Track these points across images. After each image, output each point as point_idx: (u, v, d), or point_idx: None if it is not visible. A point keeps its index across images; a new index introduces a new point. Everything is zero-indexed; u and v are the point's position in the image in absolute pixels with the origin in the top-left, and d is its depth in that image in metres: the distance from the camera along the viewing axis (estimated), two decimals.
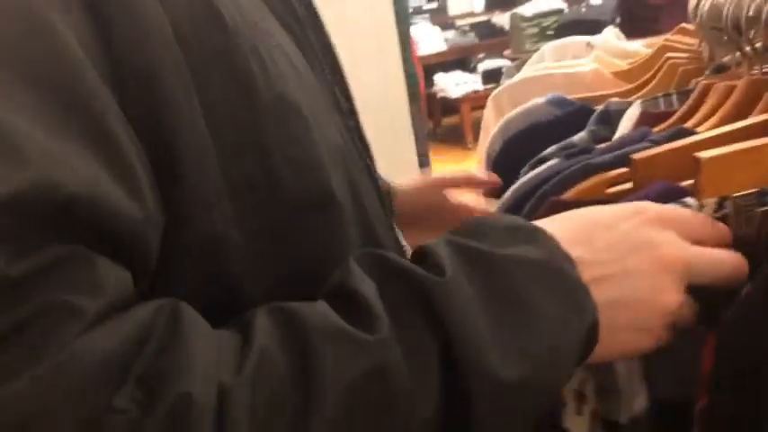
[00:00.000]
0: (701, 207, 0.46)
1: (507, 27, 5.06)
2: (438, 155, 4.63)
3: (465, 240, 0.42)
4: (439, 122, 6.09)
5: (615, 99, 0.82)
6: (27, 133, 0.31)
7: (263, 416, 0.34)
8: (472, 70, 5.77)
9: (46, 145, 0.32)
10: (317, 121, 0.45)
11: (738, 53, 0.73)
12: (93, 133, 0.34)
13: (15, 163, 0.31)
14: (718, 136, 0.51)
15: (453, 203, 0.81)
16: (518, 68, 1.64)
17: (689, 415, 0.44)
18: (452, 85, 5.51)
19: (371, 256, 0.42)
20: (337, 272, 0.41)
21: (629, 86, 0.93)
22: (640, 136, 0.61)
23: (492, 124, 0.96)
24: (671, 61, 0.89)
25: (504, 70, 4.34)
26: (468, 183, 0.81)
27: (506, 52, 4.79)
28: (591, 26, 3.02)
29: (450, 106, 5.75)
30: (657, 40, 1.06)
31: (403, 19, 3.10)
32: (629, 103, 0.78)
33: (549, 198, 0.57)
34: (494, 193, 0.76)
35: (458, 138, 5.53)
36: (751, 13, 0.63)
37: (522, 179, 0.64)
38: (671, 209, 0.45)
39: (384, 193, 0.54)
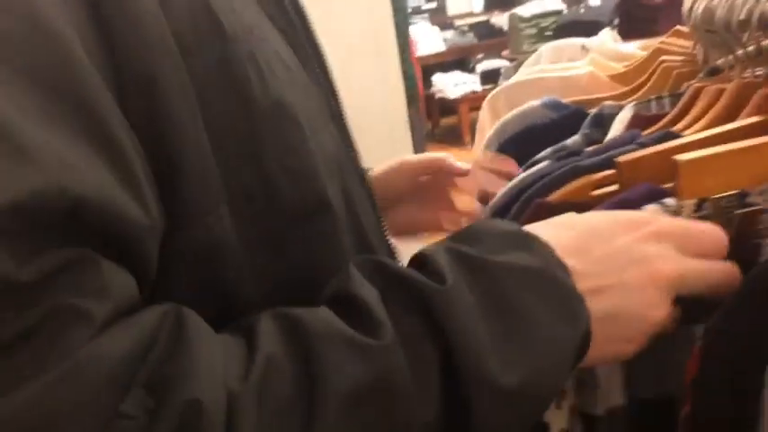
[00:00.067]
0: (680, 208, 0.46)
1: (506, 27, 5.07)
2: (433, 151, 4.64)
3: (463, 247, 0.42)
4: (437, 123, 6.10)
5: (609, 102, 0.82)
6: (35, 137, 0.31)
7: (269, 422, 0.34)
8: (471, 71, 5.78)
9: (54, 148, 0.32)
10: (312, 128, 0.45)
11: (731, 56, 0.73)
12: (98, 138, 0.34)
13: (25, 166, 0.31)
14: (702, 139, 0.52)
15: (431, 190, 0.81)
16: (516, 69, 1.64)
17: (668, 413, 0.44)
18: (451, 85, 5.52)
19: (372, 262, 0.42)
20: (338, 278, 0.42)
21: (624, 89, 0.93)
22: (629, 139, 0.61)
23: (487, 126, 0.96)
24: (665, 64, 0.89)
25: (502, 71, 4.35)
26: (440, 170, 0.80)
27: (505, 53, 4.79)
28: (589, 27, 3.02)
29: (448, 107, 5.76)
30: (653, 43, 1.06)
31: (401, 19, 3.10)
32: (623, 107, 0.78)
33: (535, 200, 0.57)
34: (486, 199, 0.76)
35: (456, 138, 5.53)
36: (742, 17, 0.63)
37: (512, 182, 0.64)
38: (670, 222, 0.46)
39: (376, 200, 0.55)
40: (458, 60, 6.02)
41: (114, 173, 0.34)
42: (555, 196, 0.57)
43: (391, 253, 0.54)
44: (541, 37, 4.13)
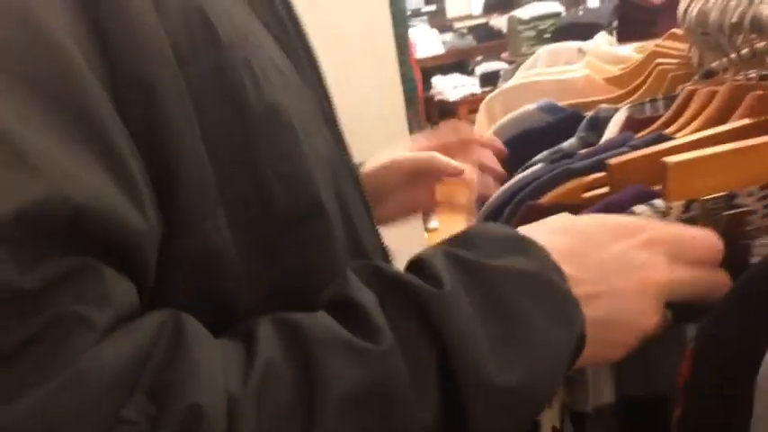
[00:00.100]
0: (668, 209, 0.47)
1: (505, 30, 5.07)
2: None
3: (460, 251, 0.42)
4: (437, 125, 6.10)
5: (604, 105, 0.82)
6: (37, 146, 0.32)
7: (269, 427, 0.35)
8: (470, 73, 5.78)
9: (56, 157, 0.32)
10: (306, 131, 0.45)
11: (725, 59, 0.74)
12: (99, 146, 0.34)
13: (27, 175, 0.31)
14: (693, 141, 0.52)
15: (423, 183, 0.80)
16: (515, 71, 1.65)
17: (657, 411, 0.45)
18: (450, 87, 5.52)
19: (369, 267, 0.43)
20: (336, 282, 0.42)
21: (620, 92, 0.94)
22: (621, 141, 0.62)
23: (484, 130, 0.97)
24: (660, 67, 0.90)
25: (501, 73, 4.35)
26: (431, 169, 0.78)
27: (504, 55, 4.80)
28: (588, 29, 3.01)
29: (447, 109, 5.75)
30: (649, 45, 1.07)
31: (400, 22, 3.11)
32: (618, 109, 0.79)
33: (527, 202, 0.57)
34: (483, 198, 0.77)
35: None
36: (734, 20, 0.63)
37: (506, 184, 0.65)
38: (663, 230, 0.46)
39: (368, 201, 0.55)
40: (457, 63, 6.02)
41: (115, 180, 0.34)
42: (546, 198, 0.57)
43: (385, 255, 0.55)
44: (540, 39, 4.12)
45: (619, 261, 0.44)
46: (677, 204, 0.46)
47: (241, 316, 0.41)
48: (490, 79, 5.10)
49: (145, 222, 0.36)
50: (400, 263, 0.46)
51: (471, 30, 6.22)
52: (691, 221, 0.47)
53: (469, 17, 6.56)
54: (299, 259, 0.44)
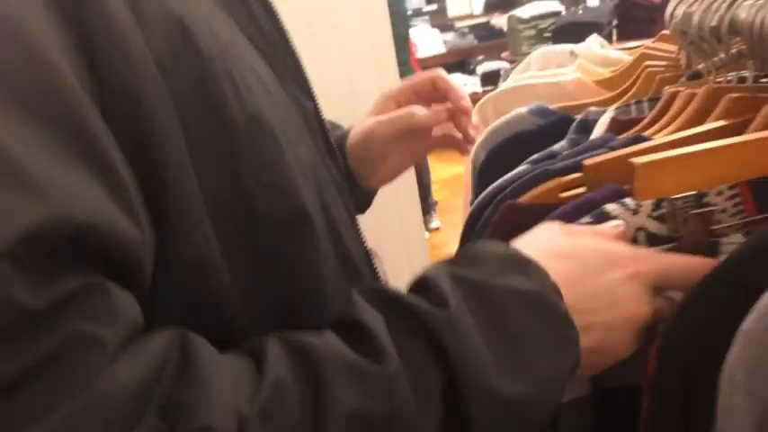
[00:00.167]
0: (638, 207, 0.49)
1: (506, 29, 5.07)
2: (435, 154, 4.66)
3: (464, 271, 0.44)
4: None
5: (593, 108, 0.84)
6: (37, 166, 0.32)
7: None
8: (471, 72, 5.79)
9: (55, 176, 0.32)
10: (288, 140, 0.46)
11: (710, 61, 0.76)
12: (94, 162, 0.34)
13: (31, 196, 0.31)
14: (666, 143, 0.54)
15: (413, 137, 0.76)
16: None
17: (629, 401, 0.47)
18: None
19: (375, 290, 0.44)
20: (344, 304, 0.43)
21: (610, 95, 0.95)
22: (601, 143, 0.64)
23: (477, 134, 0.98)
24: (649, 69, 0.92)
25: (502, 72, 4.36)
26: (409, 128, 0.73)
27: (504, 54, 4.81)
28: (588, 28, 3.01)
29: None
30: (640, 47, 1.09)
31: (400, 22, 3.11)
32: (606, 111, 0.81)
33: (507, 201, 0.59)
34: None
35: None
36: (714, 23, 0.65)
37: (491, 186, 0.67)
38: (654, 262, 0.48)
39: (351, 198, 0.56)
40: (458, 62, 6.03)
41: (111, 195, 0.35)
42: (525, 198, 0.59)
43: (368, 257, 0.55)
44: (540, 38, 4.13)
45: (609, 293, 0.46)
46: (647, 203, 0.49)
47: (232, 326, 0.42)
48: (491, 78, 5.11)
49: (141, 235, 0.36)
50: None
51: (472, 29, 6.23)
52: (660, 219, 0.49)
53: (470, 16, 6.56)
54: (285, 266, 0.45)
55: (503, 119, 0.89)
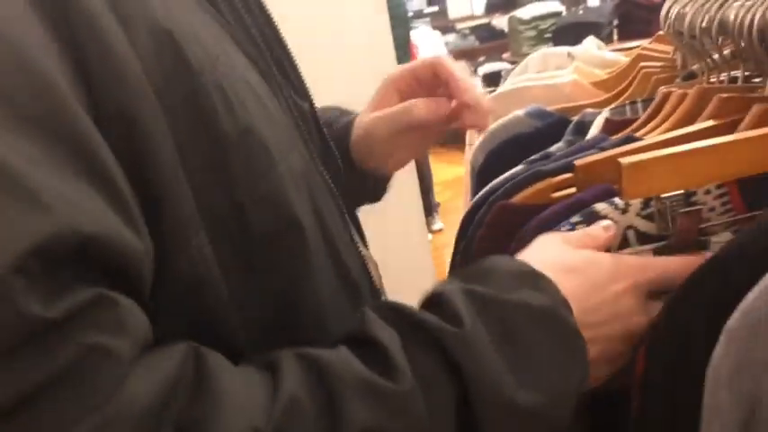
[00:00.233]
0: (627, 206, 0.50)
1: (507, 30, 5.08)
2: (437, 155, 4.67)
3: (477, 287, 0.45)
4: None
5: (590, 109, 0.85)
6: (41, 180, 0.32)
7: None
8: (473, 73, 5.79)
9: (60, 190, 0.33)
10: (281, 150, 0.46)
11: (703, 62, 0.76)
12: (96, 176, 0.35)
13: (36, 210, 0.31)
14: (655, 143, 0.55)
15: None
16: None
17: (619, 403, 0.48)
18: None
19: (389, 306, 0.45)
20: (356, 319, 0.44)
21: (607, 96, 0.96)
22: (593, 143, 0.65)
23: (474, 136, 0.99)
24: (645, 70, 0.92)
25: (503, 73, 4.36)
26: (411, 125, 0.68)
27: (505, 55, 4.81)
28: (588, 29, 3.02)
29: None
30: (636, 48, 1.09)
31: (400, 24, 3.12)
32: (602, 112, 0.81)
33: (498, 202, 0.60)
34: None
35: (456, 138, 5.55)
36: (704, 24, 0.66)
37: (486, 187, 0.68)
38: (649, 270, 0.49)
39: (345, 207, 0.56)
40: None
41: (113, 208, 0.35)
42: (517, 198, 0.60)
43: (363, 263, 0.56)
44: (541, 39, 4.13)
45: (611, 306, 0.48)
46: (636, 202, 0.50)
47: (231, 341, 0.42)
48: (493, 79, 5.11)
49: (142, 246, 0.37)
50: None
51: (473, 30, 6.24)
52: (649, 218, 0.50)
53: (471, 17, 6.56)
54: (278, 277, 0.45)
55: (500, 121, 0.89)
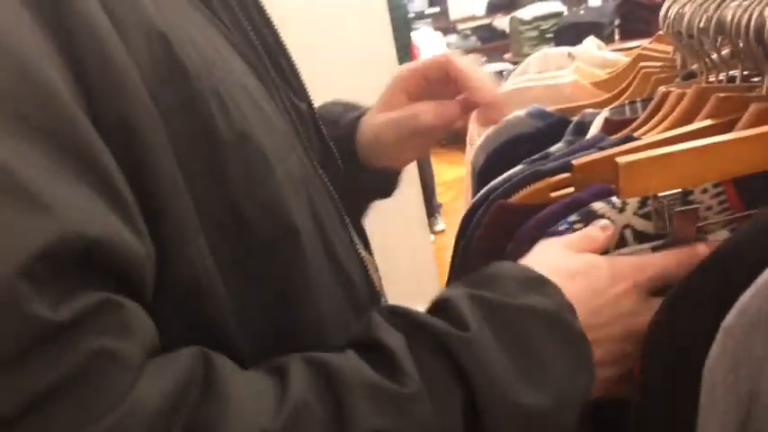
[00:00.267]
0: (625, 205, 0.51)
1: (508, 30, 5.08)
2: (438, 156, 4.68)
3: (483, 292, 0.45)
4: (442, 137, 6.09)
5: (589, 110, 0.85)
6: (45, 186, 0.32)
7: None
8: None
9: (63, 195, 0.33)
10: (279, 155, 0.46)
11: (702, 62, 0.77)
12: (95, 177, 0.35)
13: (41, 214, 0.32)
14: (653, 142, 0.55)
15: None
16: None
17: (618, 404, 0.48)
18: None
19: (395, 311, 0.45)
20: (363, 323, 0.44)
21: (607, 96, 0.96)
22: (592, 143, 0.65)
23: (476, 137, 1.00)
24: (644, 70, 0.93)
25: (504, 74, 4.36)
26: (416, 132, 0.66)
27: (507, 56, 4.81)
28: (590, 29, 3.02)
29: None
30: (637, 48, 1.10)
31: (401, 26, 3.13)
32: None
33: (497, 202, 0.61)
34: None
35: (457, 139, 5.55)
36: (702, 25, 0.67)
37: (486, 187, 0.68)
38: (648, 269, 0.50)
39: (344, 209, 0.56)
40: None
41: (115, 212, 0.35)
42: (516, 198, 0.61)
43: (362, 265, 0.56)
44: (542, 39, 4.13)
45: (613, 308, 0.48)
46: (633, 201, 0.50)
47: (230, 346, 0.42)
48: (495, 80, 5.11)
49: (145, 250, 0.37)
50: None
51: (475, 31, 6.24)
52: (646, 217, 0.50)
53: (473, 18, 6.57)
54: (276, 281, 0.45)
55: (501, 122, 0.90)
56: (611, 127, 0.71)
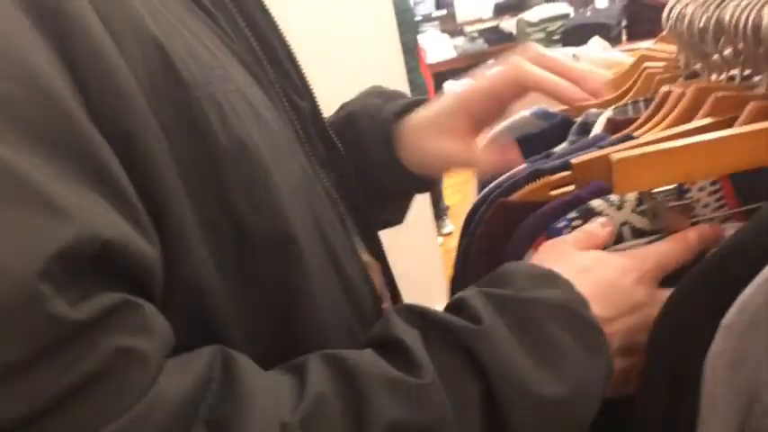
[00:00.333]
0: (623, 202, 0.52)
1: (515, 32, 5.08)
2: None
3: (496, 290, 0.46)
4: None
5: (593, 110, 0.86)
6: (57, 190, 0.33)
7: None
8: None
9: (76, 198, 0.34)
10: (277, 161, 0.46)
11: (703, 62, 0.77)
12: (104, 183, 0.36)
13: (56, 216, 0.32)
14: (651, 140, 0.55)
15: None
16: None
17: (619, 401, 0.49)
18: None
19: (411, 309, 0.46)
20: (381, 323, 0.45)
21: (610, 96, 0.97)
22: (592, 142, 0.66)
23: (481, 137, 1.00)
24: (648, 71, 0.94)
25: None
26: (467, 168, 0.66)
27: None
28: (597, 30, 3.02)
29: None
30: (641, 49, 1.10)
31: (408, 29, 3.13)
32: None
33: (498, 200, 0.61)
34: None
35: None
36: (701, 24, 0.67)
37: (488, 186, 0.69)
38: (653, 259, 0.50)
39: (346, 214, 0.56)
40: (469, 67, 6.02)
41: (125, 216, 0.36)
42: (516, 196, 0.61)
43: (363, 269, 0.56)
44: (549, 41, 4.14)
45: (628, 299, 0.49)
46: (630, 197, 0.51)
47: (231, 347, 0.42)
48: None
49: (155, 253, 0.38)
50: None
51: (482, 33, 6.23)
52: (644, 214, 0.51)
53: (480, 20, 6.56)
54: (274, 286, 0.45)
55: (507, 122, 0.90)
56: (613, 126, 0.72)
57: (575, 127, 0.86)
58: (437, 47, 5.93)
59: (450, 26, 6.41)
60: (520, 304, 0.45)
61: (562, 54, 1.08)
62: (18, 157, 0.32)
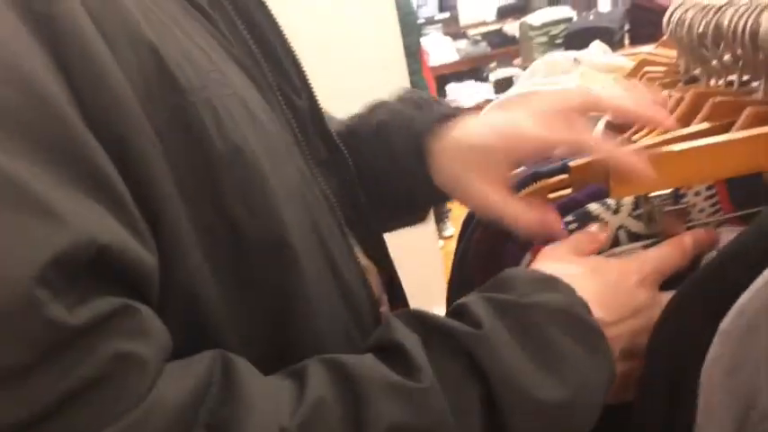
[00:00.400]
0: (619, 206, 0.52)
1: (518, 35, 5.08)
2: None
3: (497, 295, 0.46)
4: None
5: (593, 113, 0.86)
6: (54, 196, 0.33)
7: None
8: (484, 79, 5.80)
9: (73, 204, 0.34)
10: (274, 164, 0.46)
11: (701, 67, 0.78)
12: (101, 189, 0.36)
13: (52, 222, 0.32)
14: (648, 145, 0.55)
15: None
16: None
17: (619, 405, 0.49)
18: (465, 95, 5.55)
19: (411, 314, 0.46)
20: (381, 328, 0.45)
21: None
22: None
23: None
24: (648, 75, 0.94)
25: (515, 79, 4.36)
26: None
27: (516, 61, 4.81)
28: (599, 34, 3.02)
29: None
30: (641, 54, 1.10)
31: (411, 31, 3.14)
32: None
33: None
34: None
35: None
36: (700, 30, 0.68)
37: None
38: (651, 263, 0.51)
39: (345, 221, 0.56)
40: (471, 69, 6.05)
41: (122, 222, 0.36)
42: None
43: (361, 273, 0.56)
44: (552, 45, 4.13)
45: (629, 302, 0.49)
46: (627, 201, 0.51)
47: (227, 351, 0.42)
48: (504, 85, 5.12)
49: (153, 260, 0.38)
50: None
51: (485, 36, 6.23)
52: (640, 218, 0.51)
53: (483, 23, 6.56)
54: (272, 291, 0.45)
55: None
56: (612, 130, 0.72)
57: None
58: (440, 49, 5.93)
59: (453, 29, 6.41)
60: (521, 309, 0.45)
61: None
62: (13, 163, 0.32)
